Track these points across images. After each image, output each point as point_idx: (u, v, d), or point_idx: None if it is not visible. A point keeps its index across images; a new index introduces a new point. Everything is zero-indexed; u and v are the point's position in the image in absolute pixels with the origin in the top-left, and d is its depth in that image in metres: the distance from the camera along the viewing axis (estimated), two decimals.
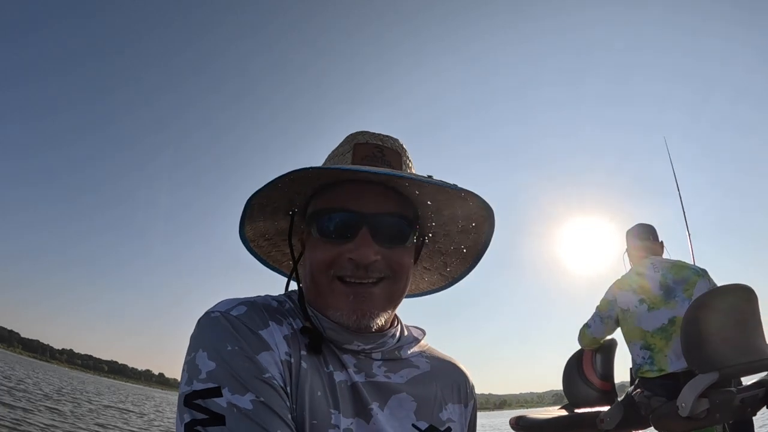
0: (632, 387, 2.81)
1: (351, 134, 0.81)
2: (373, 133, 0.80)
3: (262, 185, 0.73)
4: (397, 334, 0.83)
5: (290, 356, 0.69)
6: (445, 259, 0.95)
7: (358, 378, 0.75)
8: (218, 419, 0.59)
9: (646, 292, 2.81)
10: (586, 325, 3.03)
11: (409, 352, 0.83)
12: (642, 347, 2.74)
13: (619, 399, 2.82)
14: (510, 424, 2.84)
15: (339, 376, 0.73)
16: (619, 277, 3.05)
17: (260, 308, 0.74)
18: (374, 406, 0.73)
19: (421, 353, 0.86)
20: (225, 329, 0.67)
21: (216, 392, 0.61)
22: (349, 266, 0.73)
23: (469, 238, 0.89)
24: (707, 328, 2.23)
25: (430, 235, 0.90)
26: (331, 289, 0.74)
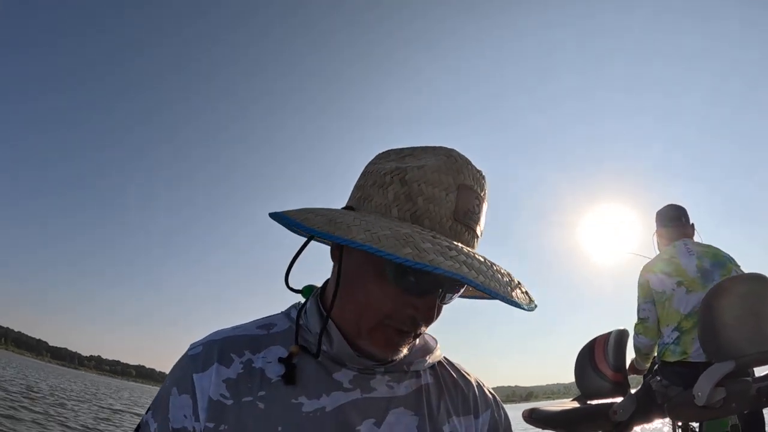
0: (651, 374, 2.78)
1: (451, 157, 0.71)
2: (474, 169, 0.72)
3: (354, 241, 0.60)
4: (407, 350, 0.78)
5: (229, 398, 0.69)
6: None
7: (349, 397, 0.72)
8: (138, 429, 0.75)
9: (683, 274, 2.74)
10: (643, 320, 2.91)
11: (418, 364, 0.79)
12: (673, 329, 2.70)
13: (637, 388, 2.78)
14: (523, 416, 2.83)
15: (311, 405, 0.70)
16: (648, 261, 2.97)
17: (216, 348, 0.74)
18: (366, 425, 0.70)
19: (429, 364, 0.81)
20: (176, 365, 0.76)
21: (148, 410, 0.75)
22: (408, 321, 0.69)
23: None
24: (723, 317, 2.19)
25: None
26: (377, 331, 0.70)
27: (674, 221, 3.00)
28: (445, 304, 0.72)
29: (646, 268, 2.95)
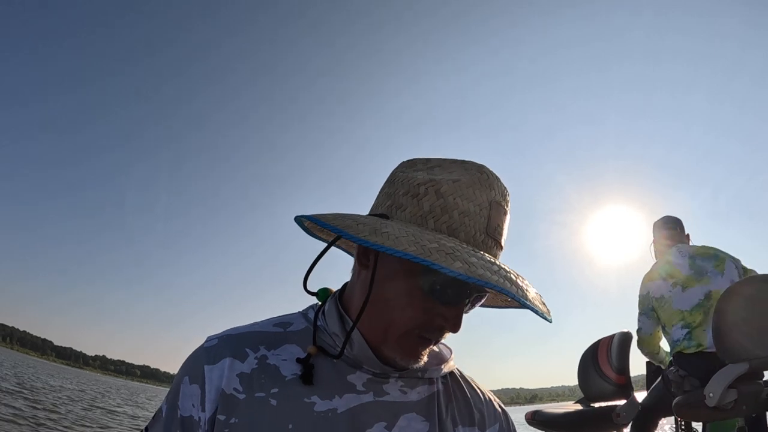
0: (667, 366, 2.80)
1: (483, 173, 0.74)
2: (502, 185, 0.75)
3: (385, 246, 0.62)
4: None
5: (242, 392, 0.71)
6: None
7: (362, 399, 0.73)
8: (155, 415, 0.77)
9: (678, 275, 2.83)
10: (638, 330, 3.03)
11: (432, 372, 0.80)
12: (682, 326, 2.74)
13: (639, 390, 2.79)
14: (525, 418, 2.83)
15: (324, 405, 0.71)
16: (648, 271, 3.05)
17: (231, 342, 0.75)
18: (377, 428, 0.71)
19: (442, 373, 0.82)
20: (191, 356, 0.77)
21: (164, 399, 0.78)
22: (437, 331, 0.72)
23: (509, 302, 0.87)
24: (737, 319, 2.18)
25: None
26: (404, 340, 0.72)
27: (669, 231, 3.14)
28: (466, 312, 0.73)
29: (646, 278, 3.04)
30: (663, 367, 2.99)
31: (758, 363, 2.11)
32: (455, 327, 0.71)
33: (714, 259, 2.79)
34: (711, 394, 2.09)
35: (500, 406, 0.88)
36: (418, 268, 0.68)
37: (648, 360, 3.07)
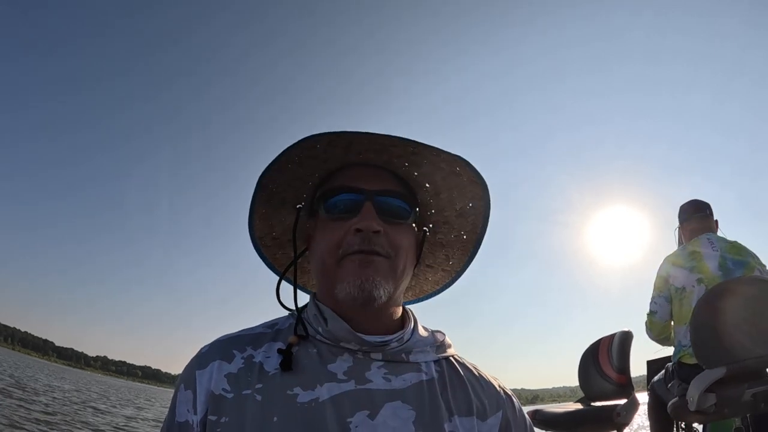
0: (665, 373, 2.73)
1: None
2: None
3: (273, 159, 0.80)
4: (405, 337, 0.80)
5: (230, 391, 0.73)
6: (447, 252, 0.97)
7: (342, 388, 0.72)
8: (163, 423, 0.80)
9: (705, 272, 2.66)
10: (652, 313, 2.86)
11: (419, 356, 0.79)
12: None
13: (641, 390, 2.76)
14: None
15: (306, 396, 0.71)
16: (671, 253, 2.90)
17: (220, 346, 0.79)
18: (359, 417, 0.70)
19: (435, 359, 0.81)
20: (186, 365, 0.81)
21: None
22: (357, 239, 0.76)
23: (468, 221, 0.92)
24: (716, 322, 2.15)
25: (431, 225, 0.93)
26: (339, 265, 0.77)
27: (698, 213, 2.95)
28: (392, 223, 0.79)
29: (669, 261, 2.87)
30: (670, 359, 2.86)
31: (735, 367, 2.09)
32: (366, 225, 0.76)
33: (744, 265, 2.62)
34: (690, 399, 2.09)
35: (505, 393, 0.85)
36: (320, 207, 0.82)
37: (649, 360, 3.04)
